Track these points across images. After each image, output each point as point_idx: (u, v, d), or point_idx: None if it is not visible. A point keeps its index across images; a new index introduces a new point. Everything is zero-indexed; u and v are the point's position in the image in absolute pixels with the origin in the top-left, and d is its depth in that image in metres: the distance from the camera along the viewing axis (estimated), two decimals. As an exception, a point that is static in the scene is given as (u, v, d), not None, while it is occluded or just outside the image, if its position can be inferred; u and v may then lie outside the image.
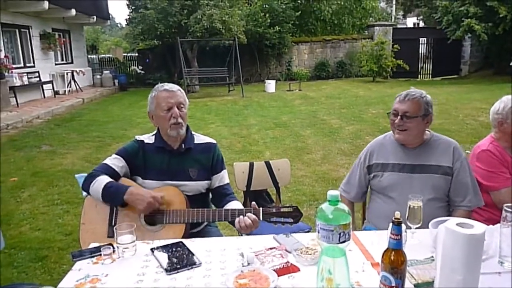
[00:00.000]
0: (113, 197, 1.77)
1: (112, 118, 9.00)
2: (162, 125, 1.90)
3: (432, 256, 1.36)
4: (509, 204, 1.32)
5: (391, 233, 1.08)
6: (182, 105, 1.88)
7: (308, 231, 2.10)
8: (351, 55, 16.51)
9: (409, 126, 1.86)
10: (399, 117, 1.87)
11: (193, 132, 2.00)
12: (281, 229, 1.65)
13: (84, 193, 1.87)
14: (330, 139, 6.45)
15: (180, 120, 1.85)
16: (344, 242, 1.03)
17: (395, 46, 14.84)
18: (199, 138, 2.00)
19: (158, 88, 1.90)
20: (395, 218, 1.07)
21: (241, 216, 1.69)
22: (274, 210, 1.66)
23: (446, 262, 1.10)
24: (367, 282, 1.26)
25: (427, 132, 1.96)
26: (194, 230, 1.93)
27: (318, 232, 1.05)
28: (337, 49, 16.73)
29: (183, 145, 1.92)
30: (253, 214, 1.68)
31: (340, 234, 1.02)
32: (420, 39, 16.60)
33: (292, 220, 1.64)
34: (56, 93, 12.12)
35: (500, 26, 12.42)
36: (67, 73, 12.93)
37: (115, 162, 1.89)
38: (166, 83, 1.93)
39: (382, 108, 8.73)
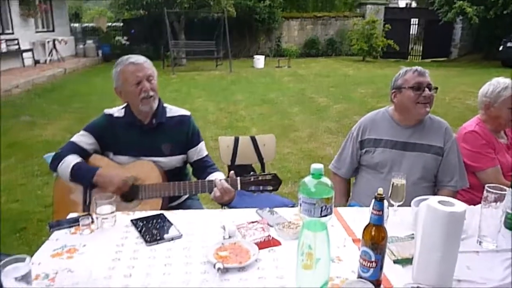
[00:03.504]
0: (81, 179, 1.73)
1: (96, 90, 8.74)
2: (132, 101, 1.79)
3: (413, 234, 1.37)
4: (491, 185, 1.32)
5: (373, 208, 1.08)
6: (151, 77, 1.77)
7: (292, 207, 2.10)
8: (341, 33, 16.34)
9: (432, 98, 1.86)
10: (426, 89, 1.83)
11: (165, 105, 1.89)
12: (264, 202, 1.63)
13: (54, 174, 1.81)
14: (318, 117, 6.43)
15: (151, 93, 1.76)
16: (326, 216, 1.02)
17: (386, 25, 14.73)
18: (172, 111, 1.89)
19: (123, 62, 1.77)
20: (377, 194, 1.07)
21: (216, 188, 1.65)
22: (252, 179, 1.62)
23: (425, 239, 1.10)
24: (348, 257, 1.27)
25: None
26: (174, 203, 1.89)
27: (300, 206, 1.04)
28: (328, 26, 16.51)
29: (154, 120, 1.82)
30: (231, 183, 1.63)
31: (322, 207, 1.00)
32: (412, 19, 16.51)
33: (271, 188, 1.62)
34: (36, 62, 11.71)
35: (491, 10, 12.42)
36: (48, 42, 12.44)
37: (83, 139, 1.81)
38: (131, 55, 1.79)
39: (371, 88, 8.73)
